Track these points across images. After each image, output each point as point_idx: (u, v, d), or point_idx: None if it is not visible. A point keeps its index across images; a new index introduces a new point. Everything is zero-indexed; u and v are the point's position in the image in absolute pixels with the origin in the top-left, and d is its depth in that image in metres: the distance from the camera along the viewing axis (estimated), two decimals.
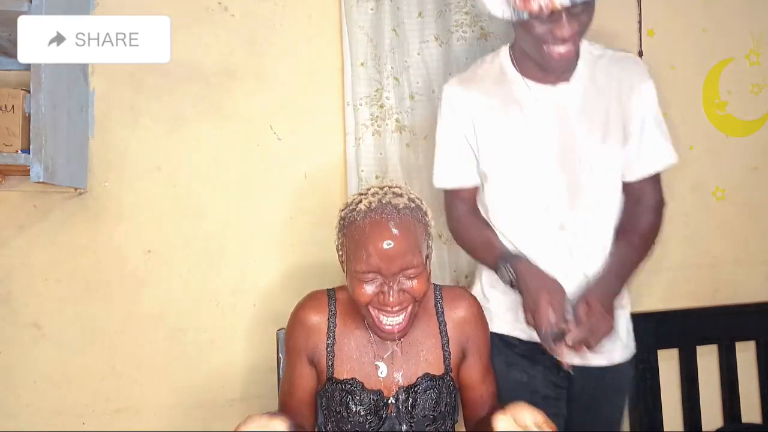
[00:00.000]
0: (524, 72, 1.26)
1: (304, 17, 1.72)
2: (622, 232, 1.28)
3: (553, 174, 1.25)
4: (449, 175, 1.36)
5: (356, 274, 1.03)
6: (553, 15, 1.10)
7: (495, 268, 1.26)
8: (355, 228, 1.03)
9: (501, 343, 1.30)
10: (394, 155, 1.70)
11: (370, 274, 1.02)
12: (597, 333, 1.15)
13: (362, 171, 1.67)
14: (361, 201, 1.06)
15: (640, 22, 1.88)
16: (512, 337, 1.32)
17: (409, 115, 1.71)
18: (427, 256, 1.07)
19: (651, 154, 1.28)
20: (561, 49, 1.14)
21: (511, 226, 1.30)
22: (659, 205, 1.32)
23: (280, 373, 1.26)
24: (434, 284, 1.20)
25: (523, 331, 1.29)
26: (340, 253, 1.10)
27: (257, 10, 1.70)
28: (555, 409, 1.29)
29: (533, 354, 1.28)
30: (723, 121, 1.95)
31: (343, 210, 1.09)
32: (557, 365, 1.23)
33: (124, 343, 1.62)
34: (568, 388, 1.32)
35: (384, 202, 1.04)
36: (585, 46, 1.28)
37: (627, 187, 1.31)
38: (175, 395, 1.64)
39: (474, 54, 1.72)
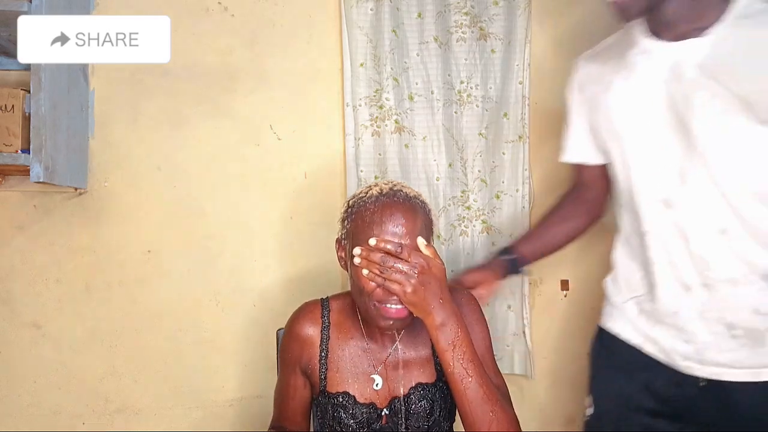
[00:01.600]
0: (651, 29, 1.11)
1: (304, 17, 1.72)
2: None
3: (659, 141, 1.10)
4: (570, 150, 1.32)
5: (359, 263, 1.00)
6: None
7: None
8: (365, 211, 1.02)
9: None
10: (394, 156, 1.70)
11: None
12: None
13: (361, 171, 1.67)
14: (371, 189, 1.05)
15: None
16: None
17: (409, 116, 1.71)
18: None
19: None
20: None
21: (623, 202, 1.21)
22: None
23: (278, 371, 1.25)
24: None
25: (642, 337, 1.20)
26: (344, 242, 1.06)
27: (257, 10, 1.70)
28: (641, 424, 1.17)
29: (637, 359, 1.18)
30: None
31: (350, 199, 1.07)
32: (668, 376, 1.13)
33: (124, 343, 1.62)
34: (684, 403, 1.14)
35: (395, 189, 1.04)
36: (742, 0, 1.03)
37: None
38: (175, 395, 1.64)
39: (473, 55, 1.72)
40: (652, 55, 1.10)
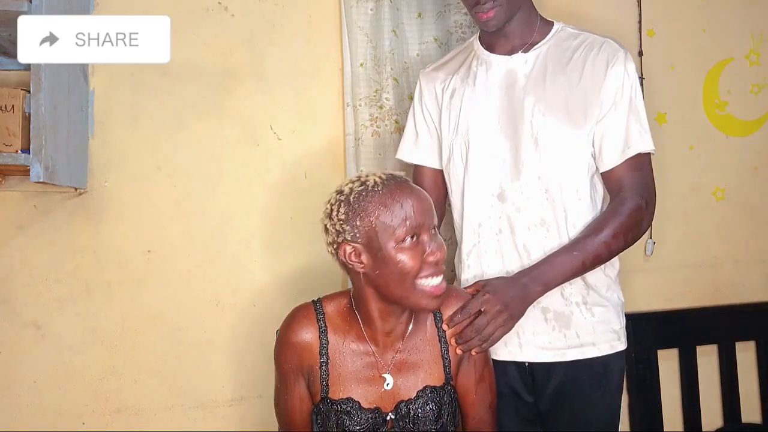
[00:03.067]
0: (486, 45, 1.33)
1: (304, 17, 1.72)
2: (594, 221, 1.23)
3: (495, 140, 1.27)
4: (409, 151, 1.46)
5: (398, 245, 0.99)
6: None
7: None
8: (379, 199, 1.00)
9: None
10: (394, 156, 1.70)
11: (409, 239, 0.99)
12: (486, 335, 1.11)
13: (362, 171, 1.67)
14: (365, 181, 1.04)
15: (640, 22, 1.88)
16: None
17: None
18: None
19: (618, 141, 1.22)
20: (483, 8, 1.21)
21: (457, 196, 1.33)
22: (639, 194, 1.21)
23: (276, 386, 1.19)
24: None
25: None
26: (359, 241, 1.01)
27: (257, 10, 1.70)
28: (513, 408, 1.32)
29: None
30: (723, 121, 1.95)
31: (346, 197, 1.03)
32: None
33: (124, 343, 1.62)
34: (534, 385, 1.30)
35: (389, 173, 1.06)
36: (566, 28, 1.30)
37: (605, 179, 1.26)
38: (175, 395, 1.64)
39: None
40: (490, 65, 1.30)
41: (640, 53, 1.86)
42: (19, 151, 1.38)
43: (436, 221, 1.05)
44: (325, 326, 1.09)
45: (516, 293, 1.15)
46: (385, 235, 0.99)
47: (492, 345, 1.13)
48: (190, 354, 1.65)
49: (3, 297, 1.58)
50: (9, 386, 1.57)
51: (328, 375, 1.07)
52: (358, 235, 1.01)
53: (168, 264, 1.64)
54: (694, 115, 1.92)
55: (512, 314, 1.14)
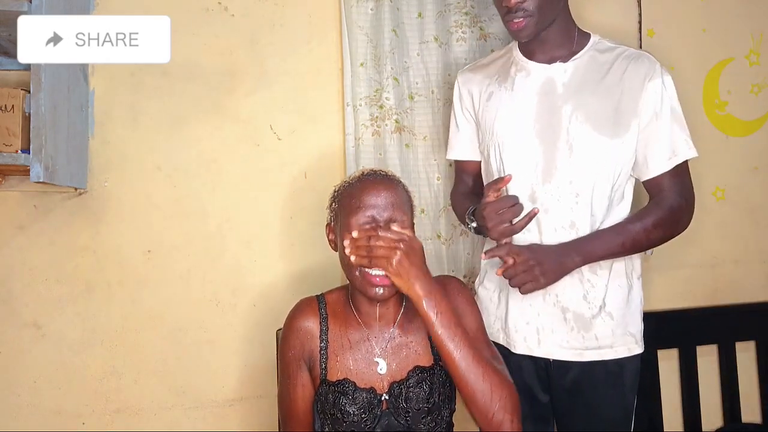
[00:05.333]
0: (525, 52, 1.35)
1: (304, 17, 1.72)
2: (638, 212, 1.28)
3: (530, 143, 1.30)
4: (453, 148, 1.50)
5: (350, 228, 1.06)
6: None
7: (465, 224, 1.35)
8: (350, 189, 1.13)
9: None
10: (394, 155, 1.70)
11: (364, 225, 1.07)
12: (518, 280, 1.20)
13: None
14: (354, 174, 1.18)
15: (640, 22, 1.88)
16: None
17: (409, 116, 1.71)
18: (412, 225, 1.13)
19: (663, 149, 1.26)
20: (514, 18, 1.23)
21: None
22: (681, 195, 1.28)
23: (279, 377, 1.24)
24: None
25: (504, 339, 1.36)
26: (333, 224, 1.16)
27: (257, 10, 1.70)
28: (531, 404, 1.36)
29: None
30: (723, 121, 1.95)
31: (336, 187, 1.18)
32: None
33: (124, 343, 1.62)
34: (549, 380, 1.35)
35: (377, 170, 1.17)
36: (602, 41, 1.33)
37: (647, 186, 1.31)
38: (175, 395, 1.64)
39: (473, 54, 1.73)
40: (529, 72, 1.33)
41: None
42: (19, 151, 1.39)
43: (402, 217, 1.10)
44: (326, 314, 1.17)
45: (553, 256, 1.22)
46: (342, 218, 1.11)
47: (524, 293, 1.21)
48: (190, 354, 1.65)
49: (3, 297, 1.58)
50: (9, 386, 1.57)
51: (327, 358, 1.14)
52: (333, 216, 1.17)
53: (168, 264, 1.64)
54: (694, 115, 1.92)
55: (544, 271, 1.20)
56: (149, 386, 1.63)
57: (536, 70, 1.32)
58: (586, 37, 1.33)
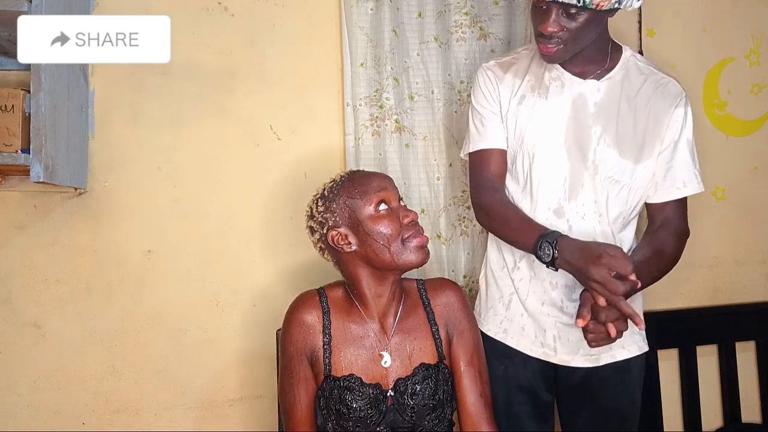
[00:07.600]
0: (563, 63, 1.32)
1: (304, 17, 1.72)
2: (642, 247, 1.29)
3: (560, 158, 1.29)
4: (478, 138, 1.37)
5: (373, 215, 1.11)
6: (545, 7, 1.17)
7: (535, 246, 1.20)
8: (350, 184, 1.15)
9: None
10: (394, 156, 1.70)
11: (382, 207, 1.12)
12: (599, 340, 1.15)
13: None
14: (333, 178, 1.20)
15: (640, 22, 1.88)
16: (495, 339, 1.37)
17: (409, 116, 1.71)
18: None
19: (676, 178, 1.29)
20: (547, 43, 1.21)
21: (518, 202, 1.34)
22: (682, 234, 1.33)
23: (280, 373, 1.25)
24: (417, 279, 1.25)
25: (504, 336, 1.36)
26: (338, 225, 1.13)
27: (257, 10, 1.70)
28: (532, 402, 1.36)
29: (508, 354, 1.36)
30: (723, 121, 1.95)
31: (320, 193, 1.18)
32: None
33: (124, 343, 1.62)
34: (557, 378, 1.36)
35: (352, 170, 1.22)
36: (633, 58, 1.32)
37: (651, 209, 1.34)
38: (175, 395, 1.64)
39: (473, 54, 1.73)
40: (564, 83, 1.30)
41: (640, 53, 1.86)
42: (19, 151, 1.39)
43: (400, 194, 1.18)
44: (328, 308, 1.18)
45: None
46: (359, 209, 1.12)
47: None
48: (190, 354, 1.65)
49: (3, 297, 1.58)
50: (9, 386, 1.57)
51: (330, 353, 1.14)
52: (338, 218, 1.14)
53: (168, 264, 1.64)
54: (694, 115, 1.91)
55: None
56: (149, 386, 1.63)
57: (570, 83, 1.30)
58: (618, 51, 1.32)
